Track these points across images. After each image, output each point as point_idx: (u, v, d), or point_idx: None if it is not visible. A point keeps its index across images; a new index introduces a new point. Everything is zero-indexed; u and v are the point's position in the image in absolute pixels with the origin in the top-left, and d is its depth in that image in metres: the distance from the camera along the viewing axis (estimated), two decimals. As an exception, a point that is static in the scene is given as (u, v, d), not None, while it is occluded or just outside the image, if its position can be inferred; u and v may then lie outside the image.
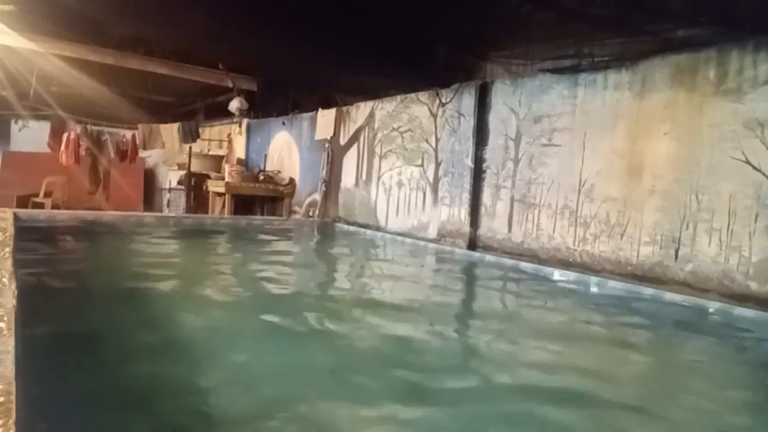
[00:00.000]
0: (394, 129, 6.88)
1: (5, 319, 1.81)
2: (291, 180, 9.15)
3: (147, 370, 2.20)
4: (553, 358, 2.75)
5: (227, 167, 9.72)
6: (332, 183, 8.15)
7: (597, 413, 2.11)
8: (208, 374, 2.17)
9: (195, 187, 10.26)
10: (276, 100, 9.87)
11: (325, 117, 8.27)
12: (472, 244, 5.60)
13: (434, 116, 6.22)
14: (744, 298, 3.55)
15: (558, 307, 4.01)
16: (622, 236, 4.29)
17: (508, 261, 5.08)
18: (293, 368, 2.35)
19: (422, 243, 6.15)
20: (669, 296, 3.85)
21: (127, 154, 10.60)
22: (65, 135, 9.95)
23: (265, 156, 10.03)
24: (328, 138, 8.16)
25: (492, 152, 5.51)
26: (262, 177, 9.27)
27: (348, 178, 7.81)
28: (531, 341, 3.05)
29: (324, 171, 8.23)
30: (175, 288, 3.80)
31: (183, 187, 10.74)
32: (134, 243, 5.96)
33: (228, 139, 11.69)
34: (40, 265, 4.01)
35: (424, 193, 6.32)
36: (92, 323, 2.77)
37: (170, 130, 9.96)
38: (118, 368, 2.18)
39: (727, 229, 3.67)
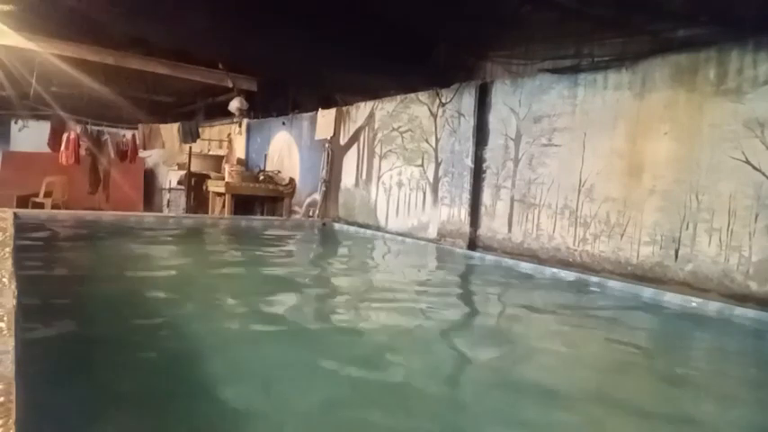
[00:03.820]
0: (394, 129, 6.88)
1: (5, 319, 1.81)
2: (291, 180, 9.15)
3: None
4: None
5: (227, 167, 9.73)
6: (332, 183, 8.15)
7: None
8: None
9: (195, 187, 10.27)
10: (276, 100, 9.86)
11: (326, 117, 8.27)
12: (472, 244, 5.60)
13: (434, 116, 6.21)
14: (744, 298, 3.55)
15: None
16: (622, 236, 4.28)
17: (508, 261, 5.09)
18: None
19: (422, 243, 6.15)
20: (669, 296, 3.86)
21: (127, 154, 10.62)
22: (65, 135, 9.97)
23: (265, 156, 10.03)
24: (328, 138, 8.16)
25: (492, 152, 5.51)
26: (262, 177, 9.27)
27: (348, 178, 7.81)
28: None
29: (324, 171, 8.23)
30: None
31: (183, 187, 10.74)
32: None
33: (228, 139, 11.69)
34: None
35: (424, 193, 6.32)
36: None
37: (170, 130, 9.97)
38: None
39: (727, 229, 3.66)
